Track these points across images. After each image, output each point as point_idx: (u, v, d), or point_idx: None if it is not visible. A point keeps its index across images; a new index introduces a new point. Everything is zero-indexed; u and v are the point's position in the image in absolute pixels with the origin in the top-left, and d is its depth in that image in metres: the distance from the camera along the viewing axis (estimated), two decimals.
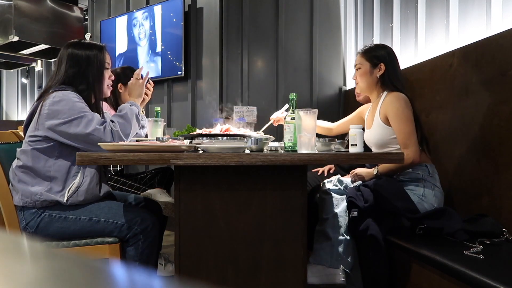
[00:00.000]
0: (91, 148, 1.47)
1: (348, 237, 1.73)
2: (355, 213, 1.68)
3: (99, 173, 1.60)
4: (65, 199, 1.49)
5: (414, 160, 1.70)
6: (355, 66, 1.95)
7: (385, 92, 1.86)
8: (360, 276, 1.70)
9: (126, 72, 2.52)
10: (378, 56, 1.87)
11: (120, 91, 2.48)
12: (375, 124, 1.85)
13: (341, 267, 1.71)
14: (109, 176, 2.36)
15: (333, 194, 1.80)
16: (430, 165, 1.79)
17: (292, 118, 1.53)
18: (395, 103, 1.76)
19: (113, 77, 1.72)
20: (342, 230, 1.73)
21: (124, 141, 1.53)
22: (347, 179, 1.89)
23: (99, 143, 1.29)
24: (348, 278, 1.73)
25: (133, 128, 1.60)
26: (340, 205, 1.78)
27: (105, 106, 2.25)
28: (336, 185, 1.84)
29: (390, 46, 2.00)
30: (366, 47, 1.94)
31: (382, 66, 1.86)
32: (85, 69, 1.58)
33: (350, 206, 1.72)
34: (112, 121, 1.54)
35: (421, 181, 1.74)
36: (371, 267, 1.61)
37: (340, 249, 1.71)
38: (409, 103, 1.78)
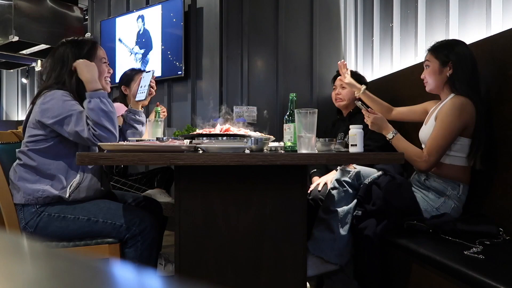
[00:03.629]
0: (87, 144, 1.49)
1: (350, 235, 1.73)
2: (360, 212, 1.68)
3: (100, 171, 1.61)
4: (67, 195, 1.50)
5: (426, 170, 1.65)
6: (424, 63, 1.80)
7: (452, 95, 1.69)
8: (352, 271, 1.72)
9: (127, 73, 2.53)
10: (448, 54, 1.70)
11: (126, 93, 2.49)
12: (430, 122, 1.75)
13: (338, 262, 1.71)
14: (109, 176, 2.36)
15: (347, 188, 1.74)
16: (465, 185, 1.67)
17: (292, 118, 1.53)
18: (447, 109, 1.63)
19: (111, 71, 1.71)
20: (347, 227, 1.72)
21: (114, 135, 1.52)
22: (368, 169, 1.79)
23: (99, 143, 1.29)
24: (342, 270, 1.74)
25: (107, 119, 1.49)
26: (350, 202, 1.74)
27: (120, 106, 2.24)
28: (353, 179, 1.76)
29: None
30: (436, 44, 1.76)
31: (451, 65, 1.69)
32: (61, 68, 1.59)
33: (358, 204, 1.72)
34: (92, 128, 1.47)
35: (445, 196, 1.66)
36: (364, 268, 1.62)
37: (341, 245, 1.71)
38: (467, 113, 1.60)
